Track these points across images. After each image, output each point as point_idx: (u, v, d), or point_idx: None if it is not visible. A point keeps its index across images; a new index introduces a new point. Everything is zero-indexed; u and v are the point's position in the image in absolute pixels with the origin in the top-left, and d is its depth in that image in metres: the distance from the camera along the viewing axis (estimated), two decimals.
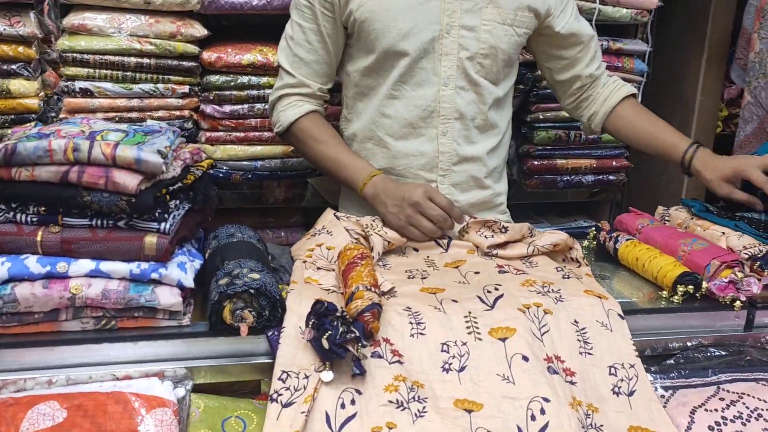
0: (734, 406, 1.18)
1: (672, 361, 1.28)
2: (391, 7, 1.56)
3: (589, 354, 1.19)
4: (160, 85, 2.04)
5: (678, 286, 1.34)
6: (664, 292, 1.37)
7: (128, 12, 1.99)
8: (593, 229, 1.65)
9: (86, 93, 1.99)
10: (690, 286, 1.33)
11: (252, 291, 1.15)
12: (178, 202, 1.25)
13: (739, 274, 1.33)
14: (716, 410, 1.17)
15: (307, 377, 1.08)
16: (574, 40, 1.73)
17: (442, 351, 1.14)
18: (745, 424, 1.15)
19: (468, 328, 1.17)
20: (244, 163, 2.18)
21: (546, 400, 1.08)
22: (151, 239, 1.17)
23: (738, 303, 1.32)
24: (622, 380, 1.17)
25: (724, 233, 1.49)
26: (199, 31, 2.03)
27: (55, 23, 2.08)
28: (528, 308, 1.21)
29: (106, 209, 1.15)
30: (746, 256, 1.38)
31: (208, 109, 2.10)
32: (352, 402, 1.06)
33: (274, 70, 2.07)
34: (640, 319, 1.30)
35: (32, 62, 2.01)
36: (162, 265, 1.17)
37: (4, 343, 1.14)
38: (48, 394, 1.07)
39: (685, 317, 1.33)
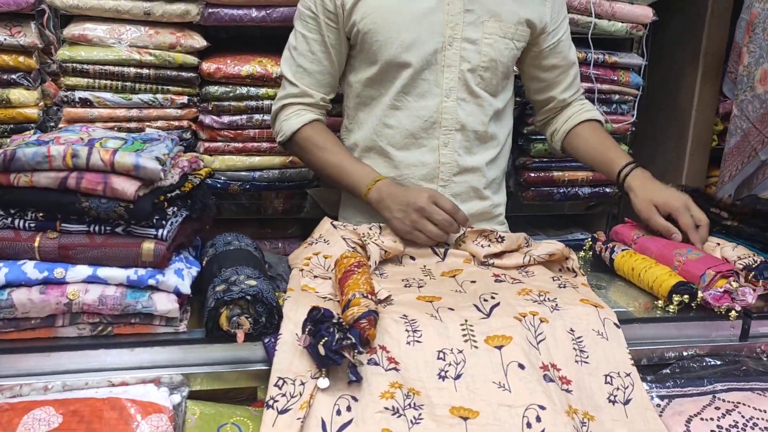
0: (730, 415, 1.18)
1: (668, 371, 1.28)
2: (394, 18, 1.57)
3: (585, 362, 1.19)
4: (159, 96, 2.05)
5: (673, 295, 1.34)
6: (660, 302, 1.38)
7: (128, 23, 2.01)
8: (589, 239, 1.66)
9: (86, 103, 2.00)
10: (685, 296, 1.34)
11: (249, 298, 1.15)
12: (175, 209, 1.26)
13: (734, 284, 1.33)
14: (712, 419, 1.17)
15: (303, 384, 1.08)
16: (556, 62, 1.76)
17: (439, 358, 1.14)
18: None
19: (464, 336, 1.17)
20: (243, 173, 2.19)
21: (542, 407, 1.08)
22: (148, 245, 1.17)
23: (733, 313, 1.32)
24: (618, 389, 1.17)
25: (718, 244, 1.51)
26: (198, 42, 2.04)
27: (55, 34, 2.10)
28: (524, 317, 1.22)
29: (104, 215, 1.16)
30: (741, 266, 1.39)
31: (207, 119, 2.11)
32: (348, 409, 1.06)
33: (273, 81, 2.09)
34: (636, 329, 1.30)
35: (32, 72, 2.02)
36: (159, 271, 1.17)
37: (1, 348, 1.13)
38: (44, 400, 1.07)
39: (680, 327, 1.33)
